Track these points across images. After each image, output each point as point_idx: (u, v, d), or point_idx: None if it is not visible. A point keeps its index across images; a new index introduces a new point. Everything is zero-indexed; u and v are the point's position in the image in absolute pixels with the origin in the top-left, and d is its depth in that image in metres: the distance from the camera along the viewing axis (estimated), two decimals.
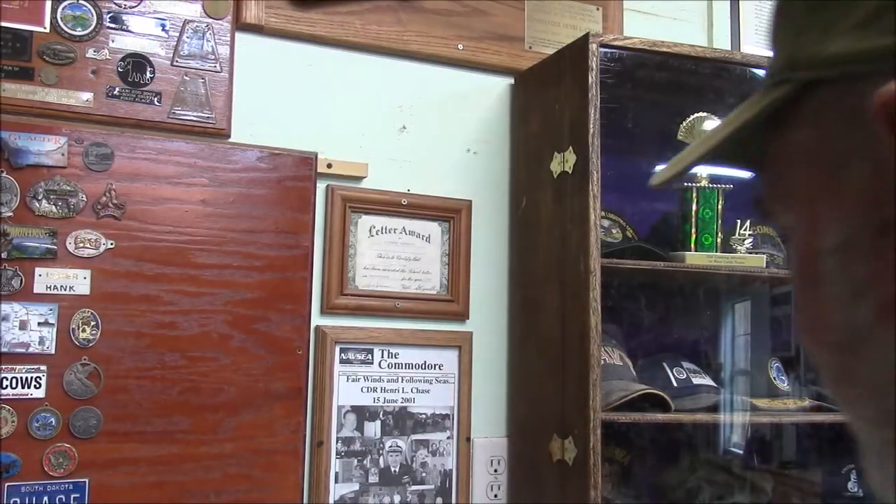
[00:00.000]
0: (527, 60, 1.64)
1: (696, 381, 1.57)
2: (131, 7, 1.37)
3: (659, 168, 0.56)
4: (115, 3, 1.36)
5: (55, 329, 1.26)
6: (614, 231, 1.61)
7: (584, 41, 1.41)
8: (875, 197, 0.34)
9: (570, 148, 1.43)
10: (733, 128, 0.41)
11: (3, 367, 1.23)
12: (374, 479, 1.49)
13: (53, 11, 1.31)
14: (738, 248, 1.58)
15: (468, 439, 1.56)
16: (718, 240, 1.53)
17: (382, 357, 1.51)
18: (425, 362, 1.55)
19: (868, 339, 0.36)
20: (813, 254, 0.38)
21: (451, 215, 1.58)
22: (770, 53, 0.40)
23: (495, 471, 1.58)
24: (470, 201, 1.60)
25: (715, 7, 1.89)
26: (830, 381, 0.40)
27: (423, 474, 1.53)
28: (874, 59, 0.32)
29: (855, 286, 0.36)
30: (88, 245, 1.29)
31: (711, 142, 0.43)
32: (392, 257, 1.54)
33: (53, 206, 1.28)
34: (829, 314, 0.38)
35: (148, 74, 1.37)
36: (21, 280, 1.25)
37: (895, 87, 0.30)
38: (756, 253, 1.60)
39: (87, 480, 1.26)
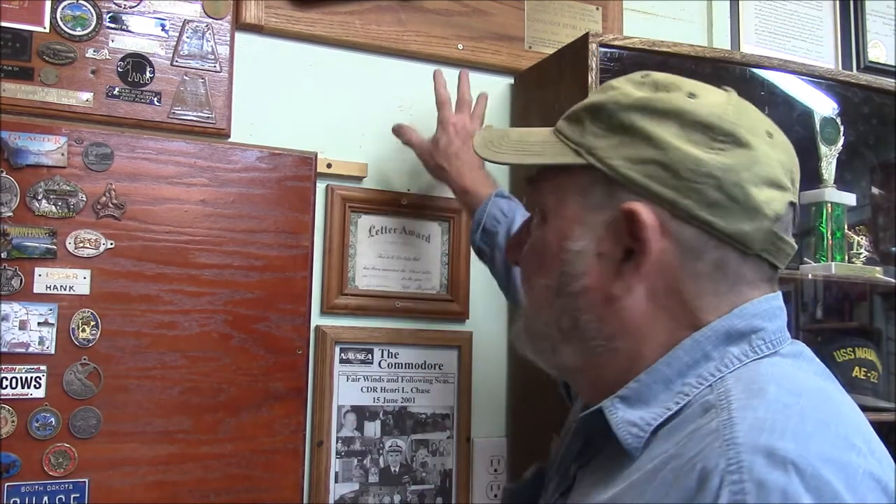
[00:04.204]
0: (527, 60, 1.64)
1: None
2: (131, 7, 1.37)
3: (491, 136, 0.83)
4: (115, 3, 1.36)
5: (55, 329, 1.26)
6: None
7: (583, 41, 1.41)
8: (602, 235, 0.71)
9: None
10: (551, 161, 0.74)
11: (3, 367, 1.23)
12: (374, 478, 1.49)
13: (53, 11, 1.32)
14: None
15: (468, 439, 1.56)
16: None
17: (382, 357, 1.51)
18: (425, 362, 1.55)
19: (572, 293, 0.72)
20: (560, 245, 0.73)
21: (451, 215, 1.58)
22: (572, 121, 0.77)
23: (495, 471, 1.58)
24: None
25: (715, 7, 1.89)
26: (533, 294, 0.77)
27: (423, 474, 1.53)
28: (628, 181, 0.69)
29: (576, 271, 0.72)
30: (88, 245, 1.29)
31: (533, 160, 0.77)
32: (392, 257, 1.54)
33: (53, 206, 1.28)
34: (555, 275, 0.73)
35: (148, 74, 1.37)
36: (21, 280, 1.25)
37: (632, 205, 0.68)
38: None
39: (87, 480, 1.26)
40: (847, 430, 0.62)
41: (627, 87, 0.74)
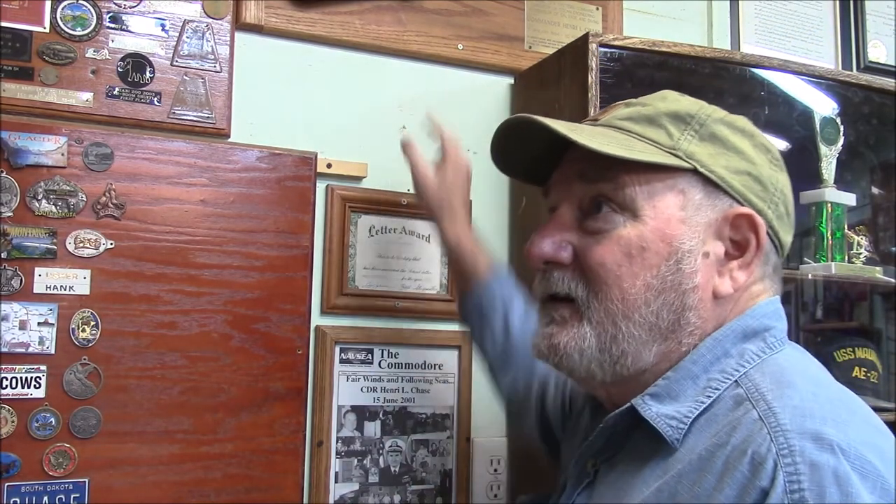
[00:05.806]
0: (527, 60, 1.64)
1: None
2: (131, 7, 1.37)
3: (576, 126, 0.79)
4: (115, 3, 1.36)
5: (55, 329, 1.26)
6: None
7: (583, 41, 1.41)
8: (705, 235, 0.74)
9: None
10: (658, 160, 0.73)
11: (3, 367, 1.23)
12: (374, 478, 1.49)
13: (53, 11, 1.31)
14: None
15: (468, 439, 1.56)
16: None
17: (382, 357, 1.51)
18: (425, 362, 1.55)
19: (683, 291, 0.73)
20: (669, 243, 0.73)
21: None
22: (663, 125, 0.77)
23: (495, 471, 1.58)
24: (470, 201, 1.59)
25: (715, 7, 1.89)
26: (617, 293, 0.73)
27: (423, 474, 1.53)
28: (731, 188, 0.75)
29: (689, 269, 0.73)
30: (88, 245, 1.29)
31: (631, 155, 0.72)
32: (392, 257, 1.54)
33: (53, 206, 1.28)
34: (661, 272, 0.73)
35: (148, 74, 1.37)
36: (21, 280, 1.25)
37: (747, 210, 0.74)
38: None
39: (87, 480, 1.26)
40: (867, 415, 0.68)
41: (688, 100, 0.80)
